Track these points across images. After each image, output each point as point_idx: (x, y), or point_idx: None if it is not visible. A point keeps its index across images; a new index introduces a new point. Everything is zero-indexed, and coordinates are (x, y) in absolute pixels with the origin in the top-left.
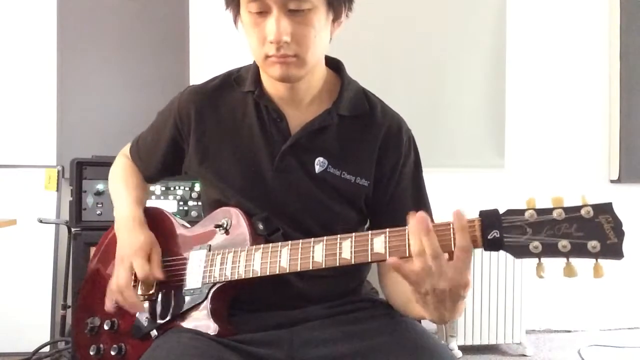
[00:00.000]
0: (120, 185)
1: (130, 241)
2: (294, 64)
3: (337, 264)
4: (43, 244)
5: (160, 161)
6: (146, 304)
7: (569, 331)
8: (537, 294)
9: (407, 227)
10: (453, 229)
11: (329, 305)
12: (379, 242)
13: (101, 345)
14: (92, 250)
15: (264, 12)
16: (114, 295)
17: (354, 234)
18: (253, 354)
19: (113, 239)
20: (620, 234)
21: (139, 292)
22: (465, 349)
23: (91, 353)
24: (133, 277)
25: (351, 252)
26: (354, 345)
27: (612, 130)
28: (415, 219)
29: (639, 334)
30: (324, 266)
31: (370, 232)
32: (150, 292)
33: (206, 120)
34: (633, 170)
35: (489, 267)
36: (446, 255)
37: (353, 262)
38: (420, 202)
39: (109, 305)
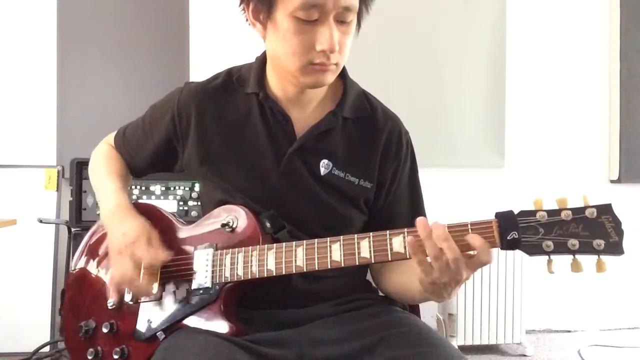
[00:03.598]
0: (103, 174)
1: (125, 230)
2: (332, 72)
3: (357, 263)
4: (43, 244)
5: (149, 156)
6: (150, 305)
7: (569, 331)
8: (537, 294)
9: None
10: (470, 230)
11: (334, 304)
12: (398, 242)
13: (99, 348)
14: None
15: (313, 21)
16: (122, 287)
17: (371, 233)
18: (264, 354)
19: (99, 239)
20: (620, 232)
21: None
22: (465, 349)
23: (89, 357)
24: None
25: (370, 251)
26: (360, 342)
27: (612, 131)
28: (428, 226)
29: (639, 334)
30: (342, 265)
31: (387, 231)
32: (154, 283)
33: (208, 121)
34: (633, 170)
35: (489, 267)
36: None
37: (373, 261)
38: (416, 205)
39: (115, 301)
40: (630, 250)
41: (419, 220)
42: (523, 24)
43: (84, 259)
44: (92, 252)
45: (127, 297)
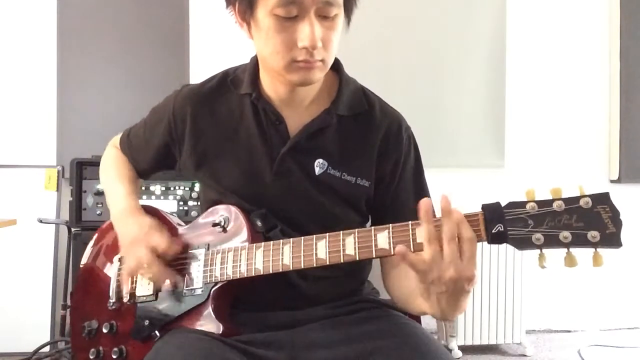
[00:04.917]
0: (113, 178)
1: (138, 222)
2: (319, 69)
3: (342, 261)
4: (43, 244)
5: (151, 159)
6: (147, 305)
7: (569, 331)
8: (537, 294)
9: (410, 221)
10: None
11: (330, 306)
12: (383, 238)
13: (101, 348)
14: None
15: (293, 17)
16: (136, 274)
17: (356, 229)
18: (255, 355)
19: (105, 241)
20: (618, 223)
21: (139, 293)
22: (465, 349)
23: (91, 357)
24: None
25: (355, 248)
26: (354, 348)
27: (612, 130)
28: (426, 206)
29: (639, 334)
30: (328, 263)
31: (373, 227)
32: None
33: (202, 124)
34: (633, 170)
35: (489, 266)
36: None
37: (357, 258)
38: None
39: (125, 293)
40: (631, 250)
41: (421, 202)
42: (523, 23)
43: (89, 260)
44: (97, 254)
45: (126, 298)
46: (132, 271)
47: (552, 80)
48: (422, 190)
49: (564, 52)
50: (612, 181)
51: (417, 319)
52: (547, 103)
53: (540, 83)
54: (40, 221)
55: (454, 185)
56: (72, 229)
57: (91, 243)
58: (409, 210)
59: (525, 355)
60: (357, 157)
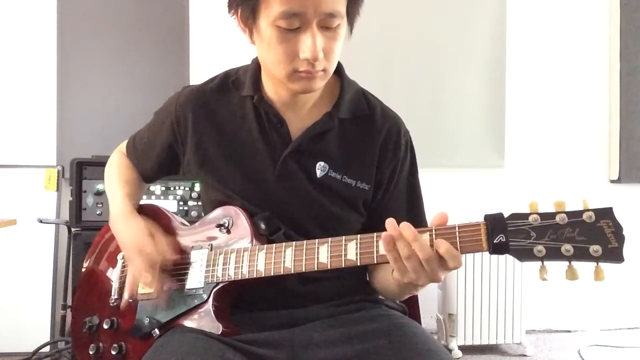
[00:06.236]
0: (113, 180)
1: (130, 232)
2: (320, 78)
3: (343, 265)
4: (43, 244)
5: (155, 162)
6: (148, 303)
7: (569, 331)
8: (537, 294)
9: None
10: (458, 233)
11: (330, 306)
12: None
13: (100, 345)
14: None
15: (295, 29)
16: (137, 284)
17: (359, 235)
18: (255, 354)
19: (108, 239)
20: (620, 238)
21: (140, 291)
22: (465, 349)
23: (90, 352)
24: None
25: (357, 253)
26: (354, 347)
27: (612, 131)
28: (397, 227)
29: (639, 334)
30: (329, 267)
31: (375, 233)
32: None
33: (203, 124)
34: (633, 170)
35: (489, 267)
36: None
37: (359, 264)
38: (415, 204)
39: (127, 299)
40: (631, 251)
41: (388, 221)
42: (523, 24)
43: (92, 257)
44: (101, 251)
45: (126, 295)
46: (133, 281)
47: (552, 80)
48: (415, 195)
49: (563, 52)
50: (612, 181)
51: (417, 319)
52: (547, 103)
53: (540, 83)
54: (40, 221)
55: (454, 185)
56: (72, 229)
57: (95, 241)
58: (399, 215)
59: (525, 355)
60: (358, 160)
